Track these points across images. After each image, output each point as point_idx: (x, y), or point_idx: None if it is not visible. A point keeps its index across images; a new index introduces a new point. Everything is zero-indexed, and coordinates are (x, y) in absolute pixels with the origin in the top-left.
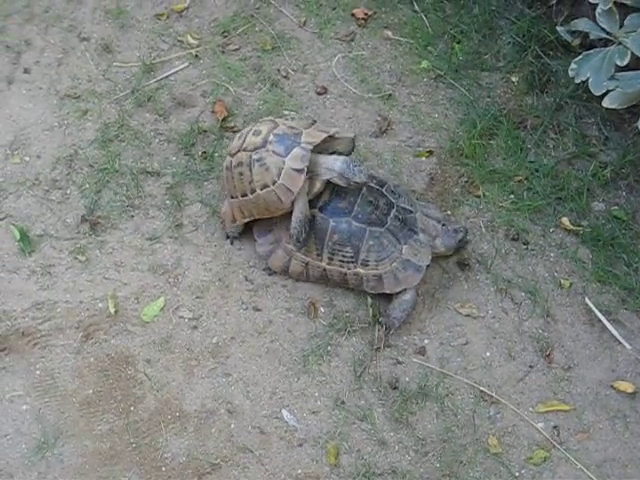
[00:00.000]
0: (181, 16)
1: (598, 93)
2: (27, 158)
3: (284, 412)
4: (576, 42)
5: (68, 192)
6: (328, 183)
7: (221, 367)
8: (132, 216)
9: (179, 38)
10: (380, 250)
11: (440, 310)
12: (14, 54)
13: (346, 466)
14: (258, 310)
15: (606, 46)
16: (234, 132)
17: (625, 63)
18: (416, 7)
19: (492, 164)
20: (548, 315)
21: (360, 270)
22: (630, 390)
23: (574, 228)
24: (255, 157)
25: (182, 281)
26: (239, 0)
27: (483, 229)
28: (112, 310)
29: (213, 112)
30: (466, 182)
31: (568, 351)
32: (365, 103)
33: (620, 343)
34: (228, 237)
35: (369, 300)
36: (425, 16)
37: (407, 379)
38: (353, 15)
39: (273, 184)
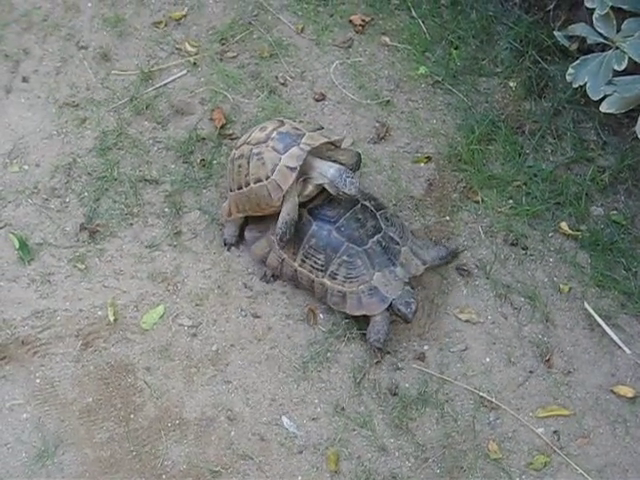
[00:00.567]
0: (179, 24)
1: (596, 98)
2: (26, 167)
3: (284, 419)
4: (573, 47)
5: (67, 200)
6: (323, 189)
7: (221, 374)
8: (131, 224)
9: (177, 46)
10: (351, 269)
11: (439, 316)
12: (12, 63)
13: (346, 473)
14: (257, 317)
15: (603, 51)
16: (232, 139)
17: (623, 68)
18: (414, 13)
19: (490, 169)
20: (547, 320)
21: (326, 281)
22: (630, 395)
23: (573, 233)
24: (255, 151)
25: (181, 289)
26: (237, 8)
27: (482, 234)
28: (111, 318)
29: (211, 120)
30: (464, 188)
31: (568, 356)
32: (363, 109)
33: (620, 348)
34: (226, 244)
35: None
36: (422, 22)
37: (407, 385)
38: (351, 22)
39: (266, 179)
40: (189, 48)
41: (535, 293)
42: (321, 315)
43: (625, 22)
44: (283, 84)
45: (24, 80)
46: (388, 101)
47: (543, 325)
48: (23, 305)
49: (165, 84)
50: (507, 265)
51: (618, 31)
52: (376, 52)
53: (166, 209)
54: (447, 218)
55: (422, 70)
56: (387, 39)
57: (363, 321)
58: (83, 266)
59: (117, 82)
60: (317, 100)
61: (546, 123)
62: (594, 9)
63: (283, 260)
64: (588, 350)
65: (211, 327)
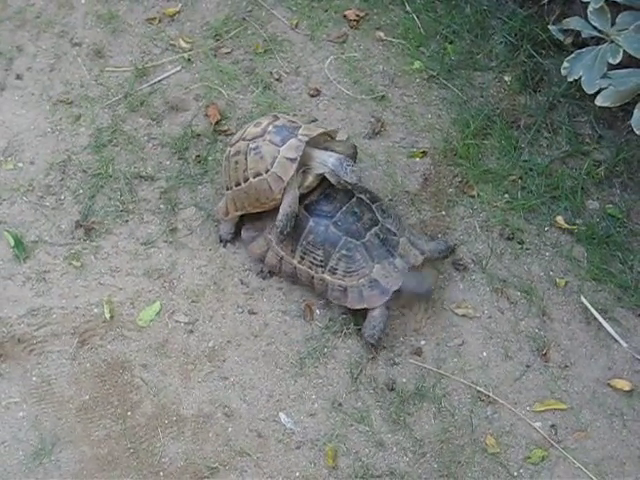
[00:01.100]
0: (173, 20)
1: (591, 91)
2: (20, 164)
3: (281, 415)
4: (568, 41)
5: (62, 198)
6: (320, 182)
7: (218, 371)
8: (126, 221)
9: (171, 42)
10: (350, 263)
11: (436, 311)
12: (6, 60)
13: (344, 468)
14: (254, 313)
15: (598, 44)
16: (227, 135)
17: (617, 61)
18: (408, 8)
19: (486, 164)
20: (544, 314)
21: (327, 277)
22: (627, 388)
23: (569, 227)
24: (252, 146)
25: (177, 285)
26: (231, 3)
27: (478, 229)
28: (108, 315)
29: (206, 116)
30: (460, 182)
31: (564, 350)
32: (358, 104)
33: (616, 341)
34: (221, 240)
35: None
36: (417, 17)
37: (404, 380)
38: (345, 17)
39: (266, 172)
40: (183, 44)
41: (531, 287)
42: (318, 311)
43: (620, 15)
44: (278, 80)
45: (18, 77)
46: (383, 96)
47: (540, 319)
48: (19, 303)
49: (159, 80)
50: (503, 259)
51: (613, 25)
52: (371, 47)
53: (161, 206)
54: (443, 213)
55: (417, 65)
56: (381, 34)
57: (359, 316)
58: (79, 263)
59: (111, 79)
60: (312, 95)
61: (541, 117)
62: (589, 3)
63: (282, 258)
64: (585, 344)
65: (207, 323)
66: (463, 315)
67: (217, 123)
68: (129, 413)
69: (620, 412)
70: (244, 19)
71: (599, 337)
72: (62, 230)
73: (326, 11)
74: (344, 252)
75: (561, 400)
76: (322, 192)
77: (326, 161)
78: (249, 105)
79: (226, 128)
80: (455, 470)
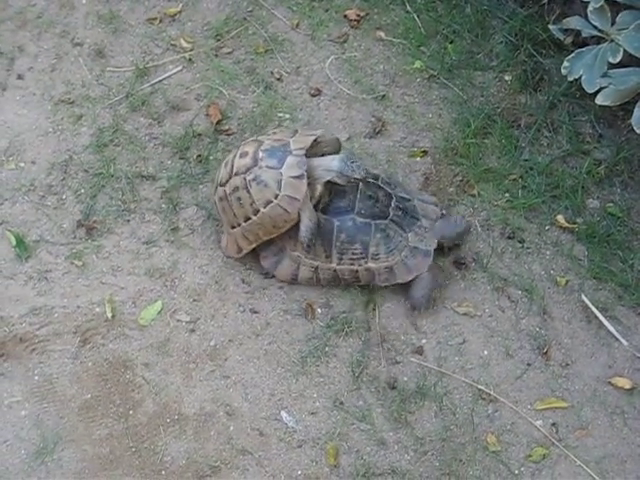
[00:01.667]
0: (174, 20)
1: (591, 91)
2: (22, 164)
3: (283, 414)
4: (568, 40)
5: (64, 197)
6: (325, 185)
7: (219, 370)
8: (128, 220)
9: (172, 42)
10: (388, 242)
11: (437, 309)
12: (7, 60)
13: (346, 466)
14: (255, 312)
15: (598, 44)
16: (228, 135)
17: (618, 60)
18: (408, 8)
19: (486, 163)
20: (545, 313)
21: (371, 265)
22: (628, 386)
23: (569, 225)
24: (250, 177)
25: (179, 284)
26: (231, 3)
27: (479, 228)
28: (109, 314)
29: (207, 115)
30: (461, 181)
31: (565, 348)
32: (359, 104)
33: (617, 339)
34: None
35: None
36: (417, 16)
37: (405, 379)
38: (345, 17)
39: (275, 198)
40: (184, 44)
41: (532, 286)
42: (319, 310)
43: (620, 15)
44: (279, 79)
45: (19, 77)
46: (384, 96)
47: (540, 318)
48: (21, 302)
49: (160, 80)
50: (504, 258)
51: (613, 24)
52: (371, 47)
53: (163, 205)
54: (444, 212)
55: (417, 64)
56: (382, 34)
57: (362, 313)
58: (80, 263)
59: (112, 79)
60: (313, 95)
61: (542, 116)
62: (589, 2)
63: (317, 268)
64: (585, 342)
65: (209, 322)
66: (464, 314)
67: (218, 123)
68: (131, 412)
69: (621, 410)
70: (245, 19)
71: (600, 335)
72: (64, 229)
73: (327, 11)
74: (379, 235)
75: (562, 398)
76: (329, 193)
77: (330, 166)
78: (250, 105)
79: (227, 128)
80: (456, 468)
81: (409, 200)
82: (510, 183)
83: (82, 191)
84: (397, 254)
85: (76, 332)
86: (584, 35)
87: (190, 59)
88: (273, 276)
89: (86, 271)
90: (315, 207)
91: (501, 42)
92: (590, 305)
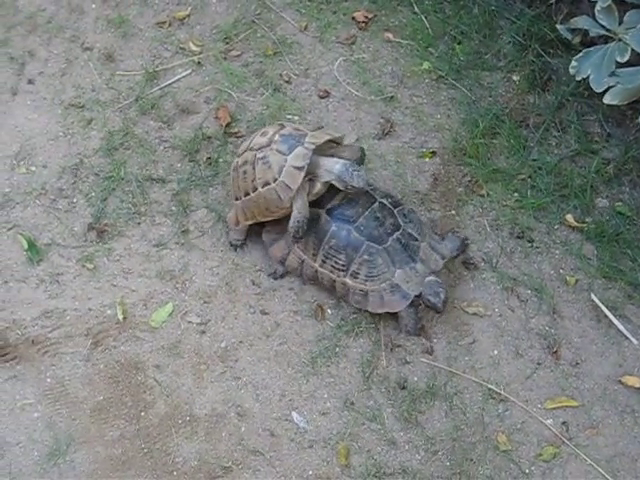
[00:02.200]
0: (183, 23)
1: (599, 90)
2: (33, 168)
3: (294, 414)
4: (576, 40)
5: (74, 201)
6: (332, 186)
7: (230, 371)
8: (139, 223)
9: (181, 45)
10: (372, 267)
11: (447, 309)
12: (18, 65)
13: (357, 466)
14: (266, 314)
15: (606, 43)
16: (238, 138)
17: (625, 59)
18: (416, 9)
19: (495, 163)
20: (554, 312)
21: (348, 281)
22: (638, 385)
23: (578, 225)
24: (259, 155)
25: (189, 286)
26: (240, 6)
27: (488, 228)
28: (121, 317)
29: (217, 118)
30: (470, 182)
31: (575, 347)
32: (367, 105)
33: (627, 338)
34: (232, 245)
35: None
36: (425, 18)
37: (415, 379)
38: (354, 18)
39: (274, 181)
40: (193, 47)
41: (542, 285)
42: (329, 310)
43: (627, 14)
44: (287, 82)
45: (30, 82)
46: (392, 97)
47: (550, 317)
48: (33, 305)
49: (170, 84)
50: (513, 258)
51: (620, 23)
52: (379, 48)
53: (173, 208)
54: (453, 212)
55: (426, 65)
56: (390, 35)
57: (371, 316)
58: (92, 266)
59: (122, 82)
60: (321, 97)
61: (550, 116)
62: (596, 2)
63: (303, 261)
64: (595, 341)
65: (220, 324)
66: (474, 314)
67: (227, 125)
68: (142, 413)
69: (631, 409)
70: (253, 22)
71: (609, 334)
72: (75, 233)
73: (335, 13)
74: (366, 257)
75: (572, 397)
76: (344, 197)
77: (332, 168)
78: (259, 107)
79: (236, 130)
80: (467, 468)
81: (416, 240)
82: (519, 183)
83: (93, 194)
84: (377, 283)
85: (88, 334)
86: (592, 34)
87: (199, 62)
88: (281, 277)
89: (97, 274)
90: (321, 204)
91: (509, 42)
92: (600, 304)
